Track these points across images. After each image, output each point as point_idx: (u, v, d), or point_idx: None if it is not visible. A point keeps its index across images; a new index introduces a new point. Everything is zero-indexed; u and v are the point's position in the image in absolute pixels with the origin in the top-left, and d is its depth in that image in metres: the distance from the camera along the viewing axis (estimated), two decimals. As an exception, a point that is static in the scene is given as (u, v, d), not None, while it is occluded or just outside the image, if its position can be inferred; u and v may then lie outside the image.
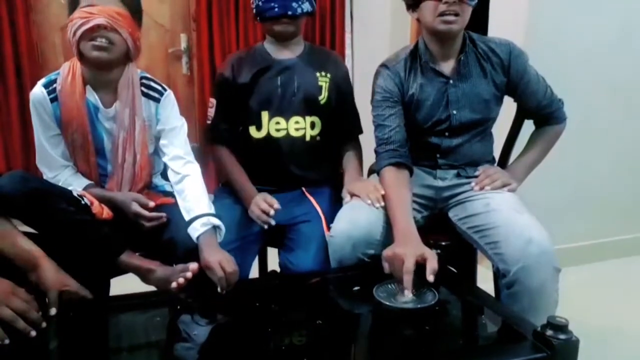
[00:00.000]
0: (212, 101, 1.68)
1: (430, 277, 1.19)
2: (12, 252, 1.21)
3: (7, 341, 1.00)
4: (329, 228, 1.48)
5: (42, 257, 1.22)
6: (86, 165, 1.50)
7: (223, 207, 1.56)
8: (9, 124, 2.90)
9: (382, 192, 1.44)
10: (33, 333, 1.03)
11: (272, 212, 1.51)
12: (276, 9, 1.52)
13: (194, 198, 1.44)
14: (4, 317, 1.02)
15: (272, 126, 1.63)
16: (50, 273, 1.19)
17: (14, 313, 1.03)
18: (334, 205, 1.59)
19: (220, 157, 1.67)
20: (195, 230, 1.36)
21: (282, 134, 1.63)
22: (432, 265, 1.20)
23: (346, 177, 1.65)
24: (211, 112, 1.68)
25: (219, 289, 1.26)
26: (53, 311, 1.14)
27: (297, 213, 1.60)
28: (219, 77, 1.67)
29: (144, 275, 1.35)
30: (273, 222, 1.53)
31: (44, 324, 1.07)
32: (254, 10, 1.59)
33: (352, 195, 1.50)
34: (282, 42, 1.63)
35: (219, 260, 1.27)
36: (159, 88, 1.52)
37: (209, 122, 1.68)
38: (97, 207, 1.40)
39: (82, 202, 1.37)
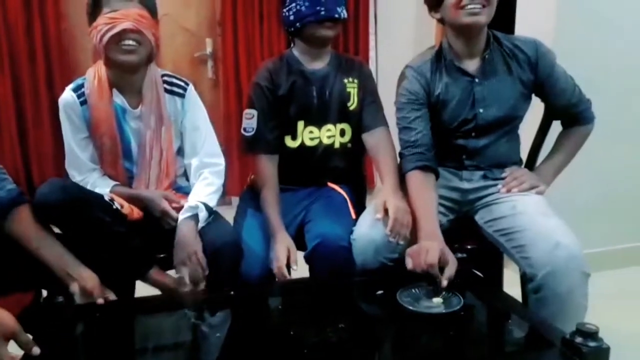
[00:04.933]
0: (251, 112, 1.62)
1: (444, 282, 1.20)
2: (55, 263, 1.28)
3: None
4: (355, 212, 1.49)
5: (84, 271, 1.29)
6: (113, 169, 1.53)
7: (248, 211, 1.60)
8: (42, 129, 2.99)
9: (408, 232, 1.37)
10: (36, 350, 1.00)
11: (294, 266, 1.47)
12: (322, 12, 1.51)
13: (196, 189, 1.51)
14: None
15: (306, 135, 1.64)
16: (91, 283, 1.27)
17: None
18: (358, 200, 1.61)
19: (262, 171, 1.62)
20: (180, 217, 1.44)
21: (315, 142, 1.64)
22: (450, 271, 1.22)
23: (384, 186, 1.54)
24: (250, 123, 1.62)
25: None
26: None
27: (318, 195, 1.63)
28: (258, 87, 1.63)
29: (168, 293, 1.40)
30: (288, 277, 1.46)
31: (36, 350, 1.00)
32: (292, 17, 1.55)
33: (385, 211, 1.41)
34: (317, 50, 1.62)
35: (182, 260, 1.38)
36: (181, 83, 1.56)
37: (247, 133, 1.63)
38: (127, 209, 1.44)
39: (114, 206, 1.41)
